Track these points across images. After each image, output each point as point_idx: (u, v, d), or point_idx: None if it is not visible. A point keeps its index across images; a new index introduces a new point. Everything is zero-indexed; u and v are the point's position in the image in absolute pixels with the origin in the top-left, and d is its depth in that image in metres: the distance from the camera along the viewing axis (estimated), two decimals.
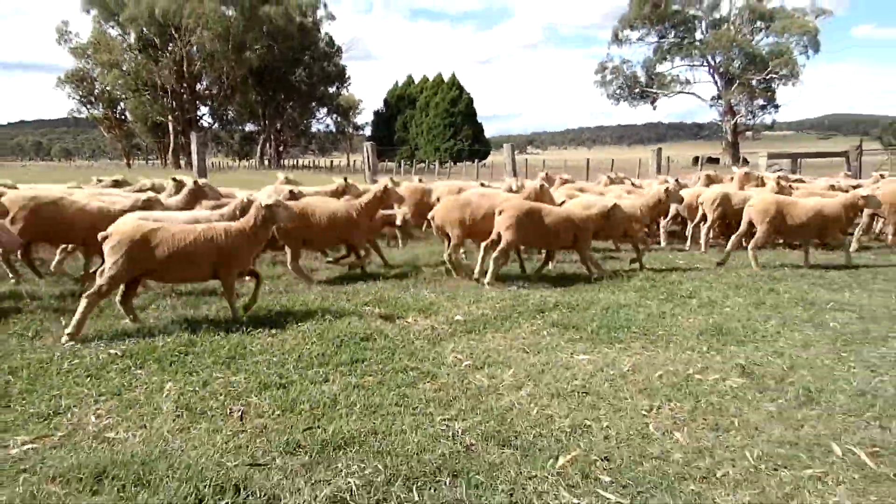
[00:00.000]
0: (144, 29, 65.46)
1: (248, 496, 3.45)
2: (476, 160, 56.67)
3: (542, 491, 3.60)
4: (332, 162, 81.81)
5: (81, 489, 3.51)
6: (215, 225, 6.89)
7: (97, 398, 4.84)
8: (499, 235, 8.91)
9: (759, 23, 67.02)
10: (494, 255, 8.84)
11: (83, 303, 6.24)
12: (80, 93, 71.96)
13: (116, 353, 5.74)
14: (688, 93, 73.33)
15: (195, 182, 9.70)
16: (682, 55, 71.25)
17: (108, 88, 70.49)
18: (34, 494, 3.44)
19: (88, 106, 74.40)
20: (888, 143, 72.57)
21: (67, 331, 6.15)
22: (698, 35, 70.40)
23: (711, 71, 70.91)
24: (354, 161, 71.92)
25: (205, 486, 3.49)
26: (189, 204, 9.41)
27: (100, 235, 6.44)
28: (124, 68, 67.25)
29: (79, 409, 4.65)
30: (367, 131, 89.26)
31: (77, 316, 6.19)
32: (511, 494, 3.56)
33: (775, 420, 4.56)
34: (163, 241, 6.38)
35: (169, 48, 67.67)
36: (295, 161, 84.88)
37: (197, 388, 5.00)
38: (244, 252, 6.89)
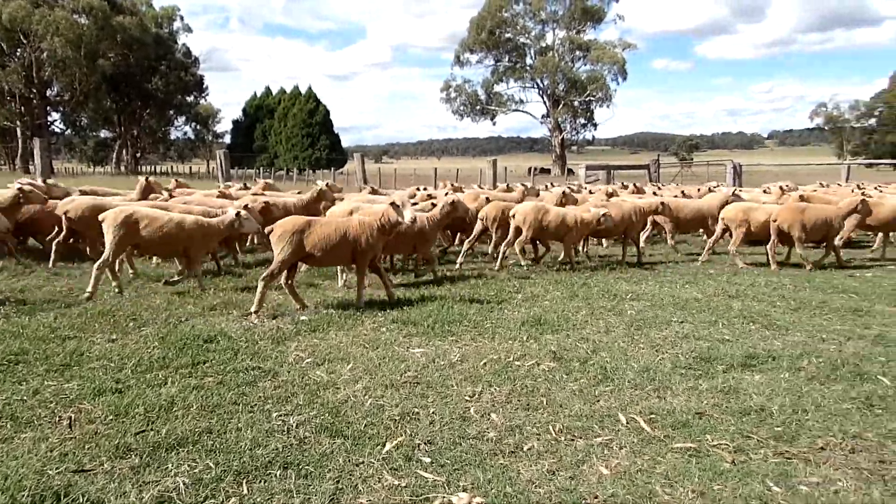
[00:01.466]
0: None
1: (69, 503, 3.17)
2: (333, 168, 55.84)
3: (368, 476, 3.58)
4: (191, 168, 77.32)
5: None
6: (352, 219, 7.71)
7: None
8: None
9: (577, 52, 71.56)
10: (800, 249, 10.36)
11: (260, 285, 7.06)
12: None
13: None
14: (522, 111, 77.07)
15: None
16: (515, 77, 74.63)
17: None
18: None
19: None
20: (682, 157, 79.55)
21: (252, 309, 6.96)
22: (528, 60, 73.98)
23: (540, 92, 74.79)
24: (213, 168, 68.61)
25: (23, 496, 3.16)
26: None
27: (267, 230, 7.37)
28: None
29: None
30: (227, 139, 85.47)
31: (258, 297, 7.02)
32: (338, 482, 3.51)
33: (576, 397, 4.83)
34: (313, 232, 7.22)
35: (17, 53, 61.20)
36: (153, 167, 79.51)
37: (25, 398, 4.53)
38: (378, 242, 7.62)
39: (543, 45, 73.17)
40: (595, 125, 76.07)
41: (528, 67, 73.45)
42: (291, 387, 4.92)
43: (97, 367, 5.18)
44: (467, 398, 4.80)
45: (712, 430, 4.19)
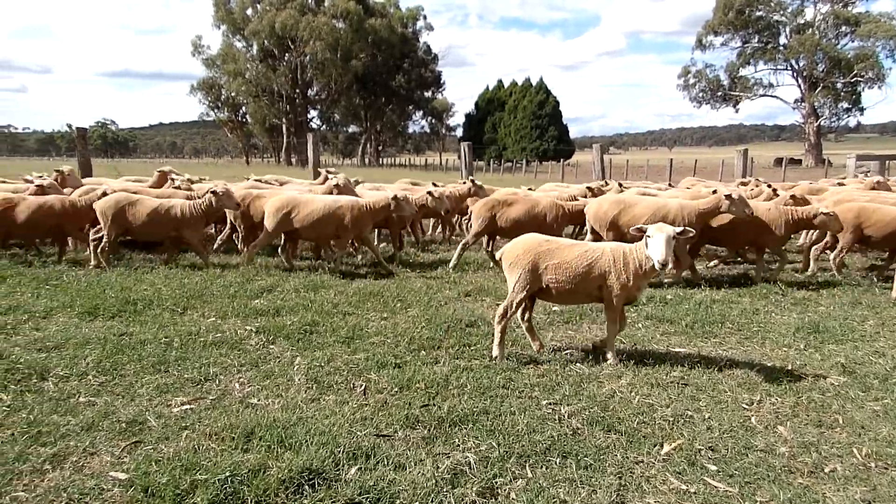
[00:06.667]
0: (265, 41, 67.89)
1: (377, 463, 3.51)
2: (561, 160, 55.78)
3: (650, 476, 3.49)
4: (426, 160, 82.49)
5: (234, 446, 3.66)
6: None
7: (239, 368, 5.05)
8: None
9: (843, 27, 63.15)
10: None
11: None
12: (209, 98, 75.67)
13: (252, 329, 5.96)
14: (770, 95, 69.94)
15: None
16: (765, 59, 67.99)
17: (232, 94, 73.68)
18: (196, 448, 3.63)
19: (216, 110, 78.12)
20: None
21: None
22: (782, 40, 67.02)
23: (795, 74, 67.40)
24: (446, 160, 72.47)
25: (339, 451, 3.58)
26: None
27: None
28: (247, 76, 70.02)
29: (224, 377, 4.86)
30: (459, 132, 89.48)
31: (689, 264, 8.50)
32: (620, 477, 3.47)
33: (881, 419, 4.26)
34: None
35: (285, 58, 69.97)
36: (392, 160, 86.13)
37: (322, 364, 5.12)
38: None
39: (801, 21, 65.71)
40: (861, 109, 66.67)
41: (781, 48, 66.48)
42: (555, 376, 4.97)
43: (376, 342, 5.69)
44: (745, 406, 4.48)
45: None
